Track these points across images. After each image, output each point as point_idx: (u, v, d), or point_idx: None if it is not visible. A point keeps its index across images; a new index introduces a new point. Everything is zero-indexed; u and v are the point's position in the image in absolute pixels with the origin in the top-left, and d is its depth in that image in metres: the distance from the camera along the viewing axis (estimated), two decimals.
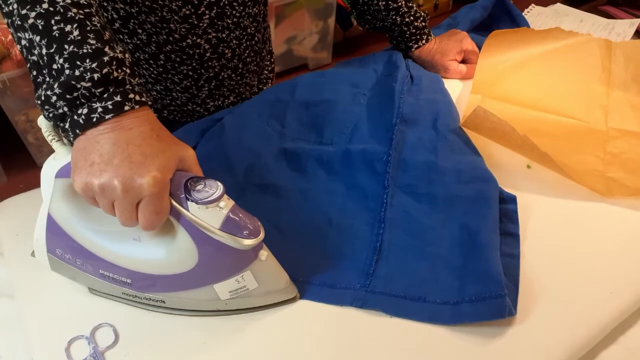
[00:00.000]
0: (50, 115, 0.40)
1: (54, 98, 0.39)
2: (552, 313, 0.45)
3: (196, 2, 0.60)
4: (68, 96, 0.39)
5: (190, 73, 0.66)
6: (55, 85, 0.39)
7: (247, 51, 0.69)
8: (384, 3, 0.76)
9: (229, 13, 0.63)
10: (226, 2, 0.62)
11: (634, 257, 0.50)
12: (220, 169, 0.60)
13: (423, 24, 0.78)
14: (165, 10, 0.59)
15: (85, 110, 0.39)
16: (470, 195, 0.54)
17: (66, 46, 0.39)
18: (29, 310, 0.48)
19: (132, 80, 0.41)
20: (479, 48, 0.80)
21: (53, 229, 0.45)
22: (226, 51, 0.66)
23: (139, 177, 0.38)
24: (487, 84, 0.73)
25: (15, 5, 0.40)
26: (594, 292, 0.47)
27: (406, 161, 0.59)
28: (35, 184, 0.62)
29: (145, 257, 0.44)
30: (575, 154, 0.62)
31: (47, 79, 0.40)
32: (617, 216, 0.55)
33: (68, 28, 0.39)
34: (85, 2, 0.41)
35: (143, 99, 0.41)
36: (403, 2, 0.77)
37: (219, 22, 0.63)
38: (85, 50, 0.39)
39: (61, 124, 0.40)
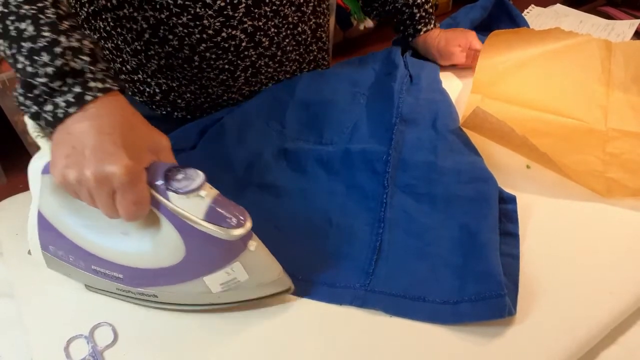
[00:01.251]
0: (27, 114, 0.40)
1: (22, 98, 0.39)
2: (551, 313, 0.45)
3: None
4: (30, 95, 0.39)
5: (227, 66, 0.64)
6: (19, 86, 0.39)
7: (288, 39, 0.67)
8: None
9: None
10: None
11: (634, 257, 0.50)
12: (220, 169, 0.60)
13: (431, 9, 0.79)
14: (199, 5, 0.57)
15: (50, 107, 0.39)
16: (469, 195, 0.54)
17: (23, 44, 0.38)
18: (28, 310, 0.48)
19: (93, 68, 0.39)
20: None
21: (44, 225, 0.45)
22: (263, 40, 0.64)
23: (109, 166, 0.37)
24: (487, 84, 0.73)
25: None
26: (594, 292, 0.47)
27: (406, 161, 0.59)
28: None
29: (133, 250, 0.43)
30: (574, 154, 0.62)
31: (20, 78, 0.40)
32: (616, 216, 0.55)
33: (23, 25, 0.39)
34: None
35: (107, 85, 0.39)
36: None
37: (256, 10, 0.61)
38: (40, 44, 0.38)
39: (38, 122, 0.40)
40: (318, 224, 0.54)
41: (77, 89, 0.38)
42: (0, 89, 0.83)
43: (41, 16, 0.39)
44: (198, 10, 0.57)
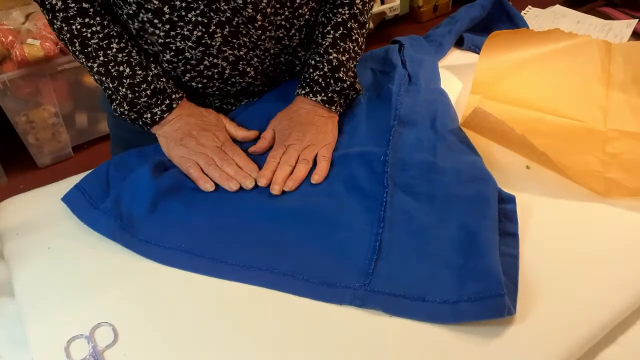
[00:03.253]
0: (126, 119, 0.61)
1: (126, 112, 0.60)
2: (551, 312, 0.45)
3: (206, 21, 0.59)
4: (134, 109, 0.60)
5: (217, 92, 0.67)
6: (125, 104, 0.60)
7: (271, 69, 0.68)
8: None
9: (244, 32, 0.62)
10: (240, 22, 0.60)
11: (633, 257, 0.51)
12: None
13: (324, 82, 0.63)
14: (179, 39, 0.60)
15: (149, 115, 0.61)
16: (469, 195, 0.54)
17: (124, 80, 0.59)
18: (28, 310, 0.48)
19: (169, 85, 0.61)
20: (479, 48, 0.81)
21: None
22: (248, 69, 0.65)
23: (210, 134, 0.60)
24: (487, 84, 0.73)
25: (82, 59, 0.60)
26: (594, 292, 0.47)
27: (405, 161, 0.59)
28: (35, 184, 0.62)
29: None
30: (574, 155, 0.62)
31: (118, 100, 0.60)
32: (616, 216, 0.55)
33: (121, 68, 0.59)
34: (124, 44, 0.59)
35: (180, 94, 0.63)
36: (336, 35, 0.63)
37: (234, 41, 0.62)
38: (137, 80, 0.59)
39: (135, 123, 0.62)
40: (318, 223, 0.54)
41: (167, 101, 0.61)
42: (0, 89, 0.83)
43: (131, 60, 0.59)
44: (178, 44, 0.60)
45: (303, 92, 0.64)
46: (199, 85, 0.67)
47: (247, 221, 0.54)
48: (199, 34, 0.60)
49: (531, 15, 1.02)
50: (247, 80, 0.66)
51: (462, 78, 0.79)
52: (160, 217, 0.54)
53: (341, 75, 0.62)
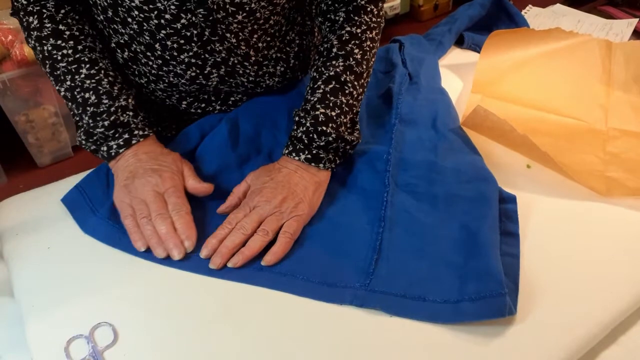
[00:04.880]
0: (88, 150, 0.57)
1: (84, 142, 0.56)
2: (552, 312, 0.45)
3: (200, 63, 0.58)
4: (91, 139, 0.56)
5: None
6: (82, 133, 0.56)
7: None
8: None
9: (241, 72, 0.60)
10: (236, 61, 0.58)
11: (634, 256, 0.50)
12: (220, 170, 0.60)
13: (306, 137, 0.55)
14: (172, 75, 0.60)
15: (105, 148, 0.56)
16: (470, 195, 0.54)
17: (88, 108, 0.55)
18: (28, 310, 0.48)
19: (136, 120, 0.57)
20: (480, 47, 0.81)
21: None
22: (244, 98, 0.66)
23: (155, 177, 0.53)
24: (487, 83, 0.73)
25: (52, 81, 0.57)
26: (594, 292, 0.47)
27: (406, 160, 0.59)
28: (35, 184, 0.62)
29: None
30: (575, 154, 0.62)
31: (81, 128, 0.56)
32: (617, 216, 0.55)
33: (87, 95, 0.55)
34: (95, 71, 0.56)
35: (146, 132, 0.57)
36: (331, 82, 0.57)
37: (231, 80, 0.61)
38: (101, 109, 0.55)
39: (96, 156, 0.57)
40: (318, 223, 0.54)
41: (126, 136, 0.56)
42: (0, 89, 0.83)
43: (100, 88, 0.56)
44: (172, 79, 0.59)
45: (286, 151, 0.57)
46: (199, 111, 0.67)
47: None
48: (193, 74, 0.59)
49: (531, 14, 1.01)
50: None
51: (462, 77, 0.79)
52: None
53: (325, 129, 0.54)
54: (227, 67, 0.60)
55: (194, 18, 0.54)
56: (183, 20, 0.54)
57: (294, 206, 0.52)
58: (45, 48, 0.55)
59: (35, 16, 0.56)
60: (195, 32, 0.56)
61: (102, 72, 0.56)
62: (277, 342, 0.44)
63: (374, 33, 0.60)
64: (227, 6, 0.54)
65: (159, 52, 0.58)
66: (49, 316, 0.47)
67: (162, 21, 0.54)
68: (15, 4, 0.57)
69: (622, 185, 0.58)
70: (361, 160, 0.60)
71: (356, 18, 0.59)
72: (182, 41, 0.56)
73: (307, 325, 0.45)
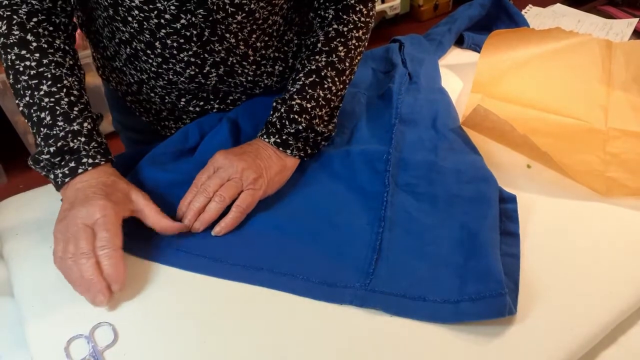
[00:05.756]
0: (42, 173, 0.52)
1: (32, 164, 0.52)
2: (552, 312, 0.45)
3: (199, 62, 0.58)
4: (38, 166, 0.51)
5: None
6: (30, 158, 0.52)
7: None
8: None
9: (239, 71, 0.61)
10: (234, 61, 0.59)
11: (634, 256, 0.50)
12: None
13: (281, 126, 0.57)
14: (171, 73, 0.59)
15: (52, 176, 0.51)
16: (470, 195, 0.54)
17: (42, 129, 0.51)
18: (28, 310, 0.48)
19: (87, 147, 0.51)
20: (480, 47, 0.81)
21: None
22: (243, 97, 0.66)
23: (88, 207, 0.47)
24: (487, 83, 0.73)
25: (14, 93, 0.53)
26: (594, 292, 0.47)
27: (406, 160, 0.59)
28: (35, 184, 0.62)
29: None
30: (575, 154, 0.62)
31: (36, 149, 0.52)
32: (617, 216, 0.55)
33: (42, 115, 0.51)
34: (56, 89, 0.52)
35: (97, 161, 0.51)
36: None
37: (230, 80, 0.61)
38: (54, 132, 0.50)
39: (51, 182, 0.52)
40: (318, 223, 0.54)
41: (72, 164, 0.51)
42: (0, 89, 0.83)
43: (57, 108, 0.51)
44: (171, 76, 0.59)
45: (259, 134, 0.59)
46: (197, 109, 0.67)
47: (247, 221, 0.54)
48: (192, 72, 0.59)
49: (531, 14, 1.01)
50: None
51: (462, 77, 0.79)
52: None
53: (297, 117, 0.56)
54: (226, 67, 0.60)
55: (193, 18, 0.54)
56: (183, 21, 0.54)
57: (254, 178, 0.53)
58: (9, 57, 0.52)
59: (5, 21, 0.52)
60: (195, 32, 0.56)
61: (64, 90, 0.52)
62: (277, 342, 0.44)
63: (360, 32, 0.61)
64: (227, 7, 0.54)
65: (159, 50, 0.57)
66: (49, 316, 0.47)
67: (162, 21, 0.54)
68: None
69: (622, 185, 0.58)
70: (361, 160, 0.60)
71: (344, 17, 0.60)
72: (181, 40, 0.56)
73: (307, 325, 0.45)
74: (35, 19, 0.53)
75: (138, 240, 0.52)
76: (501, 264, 0.47)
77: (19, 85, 0.52)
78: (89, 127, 0.52)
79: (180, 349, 0.44)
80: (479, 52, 0.81)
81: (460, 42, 0.88)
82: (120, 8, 0.55)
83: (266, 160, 0.56)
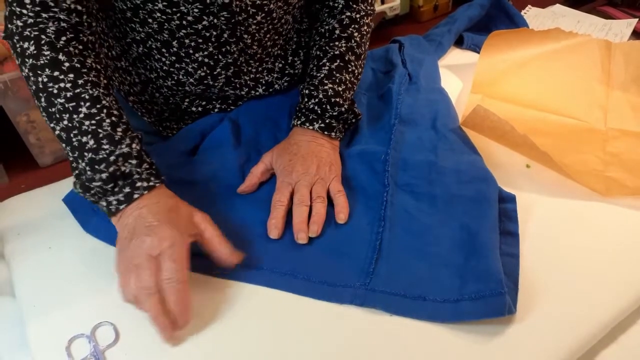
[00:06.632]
0: (90, 200, 0.49)
1: (81, 192, 0.49)
2: (552, 311, 0.45)
3: (212, 63, 0.59)
4: (88, 194, 0.48)
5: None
6: (78, 185, 0.49)
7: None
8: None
9: (245, 70, 0.62)
10: (243, 60, 0.60)
11: (634, 256, 0.51)
12: (220, 171, 0.60)
13: (320, 109, 0.59)
14: (182, 73, 0.59)
15: (104, 203, 0.48)
16: (470, 195, 0.54)
17: (85, 153, 0.48)
18: (29, 310, 0.48)
19: (139, 169, 0.49)
20: (479, 47, 0.81)
21: None
22: (245, 97, 0.67)
23: (153, 237, 0.45)
24: (487, 83, 0.73)
25: (45, 118, 0.50)
26: (594, 291, 0.47)
27: (406, 160, 0.59)
28: (37, 184, 0.62)
29: None
30: (574, 154, 0.62)
31: (78, 175, 0.49)
32: (616, 216, 0.55)
33: (84, 139, 0.48)
34: (96, 110, 0.48)
35: (151, 184, 0.49)
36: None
37: (236, 80, 0.62)
38: (100, 156, 0.47)
39: (95, 207, 0.50)
40: None
41: (127, 189, 0.48)
42: (2, 89, 0.83)
43: (100, 130, 0.48)
44: (181, 77, 0.59)
45: (299, 122, 0.60)
46: (199, 109, 0.67)
47: (247, 221, 0.54)
48: (203, 74, 0.60)
49: (531, 14, 1.02)
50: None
51: (462, 77, 0.79)
52: None
53: (338, 100, 0.59)
54: (235, 67, 0.61)
55: (215, 20, 0.55)
56: (205, 22, 0.55)
57: (328, 169, 0.57)
58: (41, 79, 0.49)
59: (32, 42, 0.49)
60: (215, 33, 0.56)
61: (105, 111, 0.49)
62: (277, 342, 0.44)
63: (369, 19, 0.65)
64: (249, 8, 0.55)
65: (174, 49, 0.58)
66: (50, 316, 0.47)
67: (184, 22, 0.55)
68: (9, 26, 0.50)
69: (622, 185, 0.58)
70: (360, 160, 0.60)
71: (354, 6, 0.64)
72: (200, 40, 0.57)
73: (307, 324, 0.46)
74: (64, 38, 0.50)
75: None
76: (501, 264, 0.47)
77: (53, 109, 0.48)
78: (137, 147, 0.49)
79: (181, 348, 0.44)
80: (478, 52, 0.81)
81: (460, 43, 0.88)
82: (141, 11, 0.55)
83: (322, 150, 0.58)
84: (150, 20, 0.55)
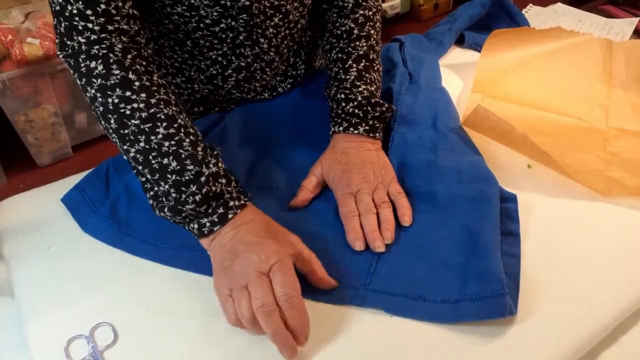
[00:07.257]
0: (173, 221, 0.48)
1: (169, 216, 0.47)
2: (552, 312, 0.45)
3: (225, 63, 0.58)
4: (178, 217, 0.47)
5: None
6: (166, 209, 0.46)
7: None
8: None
9: (258, 77, 0.61)
10: (258, 67, 0.60)
11: (634, 256, 0.50)
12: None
13: (360, 111, 0.57)
14: (194, 69, 0.59)
15: (195, 225, 0.47)
16: (470, 195, 0.54)
17: (169, 176, 0.46)
18: (28, 310, 0.48)
19: (230, 188, 0.47)
20: (480, 46, 0.80)
21: None
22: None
23: (260, 253, 0.43)
24: (488, 83, 0.73)
25: (116, 140, 0.47)
26: (595, 291, 0.47)
27: (406, 160, 0.59)
28: (35, 183, 0.62)
29: None
30: (575, 153, 0.62)
31: (158, 197, 0.48)
32: (617, 216, 0.55)
33: (166, 161, 0.46)
34: (174, 130, 0.47)
35: (242, 202, 0.48)
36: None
37: (245, 85, 0.61)
38: (187, 178, 0.46)
39: (184, 228, 0.48)
40: (319, 223, 0.54)
41: (220, 210, 0.46)
42: (0, 88, 0.83)
43: (181, 151, 0.46)
44: (192, 73, 0.58)
45: (341, 128, 0.58)
46: (200, 108, 0.67)
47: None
48: (214, 72, 0.59)
49: (532, 13, 1.01)
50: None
51: (463, 77, 0.79)
52: (159, 218, 0.54)
53: (377, 100, 0.58)
54: (247, 72, 0.60)
55: (233, 23, 0.54)
56: (222, 25, 0.55)
57: (384, 173, 0.56)
58: (111, 100, 0.46)
59: (100, 61, 0.47)
60: (231, 34, 0.56)
61: (182, 130, 0.47)
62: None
63: (379, 15, 0.65)
64: (267, 9, 0.55)
65: (188, 48, 0.57)
66: (49, 316, 0.47)
67: (201, 25, 0.54)
68: (69, 42, 0.47)
69: (623, 184, 0.58)
70: None
71: (364, 3, 0.63)
72: (215, 41, 0.56)
73: None
74: (130, 56, 0.48)
75: (139, 241, 0.52)
76: (502, 264, 0.47)
77: (126, 130, 0.47)
78: (223, 166, 0.48)
79: (180, 349, 0.44)
80: (479, 51, 0.81)
81: (460, 42, 0.88)
82: (157, 13, 0.54)
83: (372, 154, 0.57)
84: (166, 22, 0.54)
